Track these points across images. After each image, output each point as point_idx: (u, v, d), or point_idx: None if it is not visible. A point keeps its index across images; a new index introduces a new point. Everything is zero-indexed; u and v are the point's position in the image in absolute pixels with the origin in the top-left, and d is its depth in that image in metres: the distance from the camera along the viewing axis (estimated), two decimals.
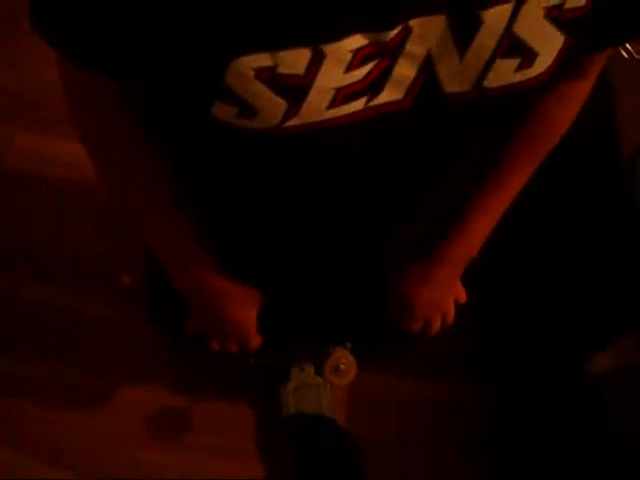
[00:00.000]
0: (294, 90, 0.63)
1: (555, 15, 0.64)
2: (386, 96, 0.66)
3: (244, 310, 0.98)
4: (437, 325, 1.04)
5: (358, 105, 0.66)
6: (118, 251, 1.48)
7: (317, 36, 0.60)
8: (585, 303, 1.25)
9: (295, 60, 0.61)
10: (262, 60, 0.60)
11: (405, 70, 0.65)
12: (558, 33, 0.66)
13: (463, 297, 1.03)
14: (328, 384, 1.36)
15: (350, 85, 0.64)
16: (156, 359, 1.40)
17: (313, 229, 0.85)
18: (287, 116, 0.64)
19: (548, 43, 0.66)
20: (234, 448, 1.37)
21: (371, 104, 0.67)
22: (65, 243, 1.52)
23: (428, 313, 1.02)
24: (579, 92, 0.85)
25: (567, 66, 0.69)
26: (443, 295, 1.01)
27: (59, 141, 1.53)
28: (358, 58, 0.63)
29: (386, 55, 0.63)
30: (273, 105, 0.63)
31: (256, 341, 1.02)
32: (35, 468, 1.31)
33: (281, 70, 0.61)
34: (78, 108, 0.79)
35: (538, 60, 0.66)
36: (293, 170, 0.74)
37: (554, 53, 0.67)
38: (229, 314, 0.97)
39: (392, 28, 0.61)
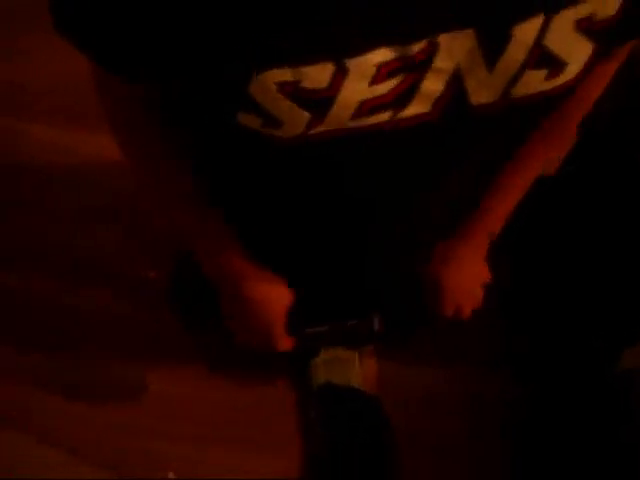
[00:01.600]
0: (317, 103, 0.63)
1: (585, 26, 0.64)
2: (413, 109, 0.67)
3: (272, 303, 0.98)
4: (468, 309, 1.05)
5: (384, 117, 0.67)
6: (142, 248, 1.51)
7: (340, 51, 0.61)
8: (615, 297, 1.26)
9: (318, 75, 0.61)
10: (285, 75, 0.61)
11: (433, 85, 0.65)
12: (588, 42, 0.66)
13: (489, 278, 1.04)
14: (357, 359, 1.40)
15: (375, 98, 0.64)
16: (170, 353, 1.43)
17: (327, 218, 0.87)
18: (311, 126, 0.65)
19: (578, 52, 0.66)
20: (252, 440, 1.40)
21: (397, 116, 0.67)
22: (78, 243, 1.54)
23: (457, 295, 1.03)
24: (605, 75, 0.84)
25: (595, 64, 0.69)
26: (469, 275, 1.02)
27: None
28: (383, 72, 0.63)
29: (413, 70, 0.64)
30: (297, 116, 0.64)
31: (285, 343, 1.01)
32: (52, 458, 1.35)
33: (304, 84, 0.61)
34: (109, 108, 0.81)
35: (567, 69, 0.66)
36: (308, 167, 0.75)
37: (583, 60, 0.67)
38: (257, 305, 0.96)
39: (417, 41, 0.61)
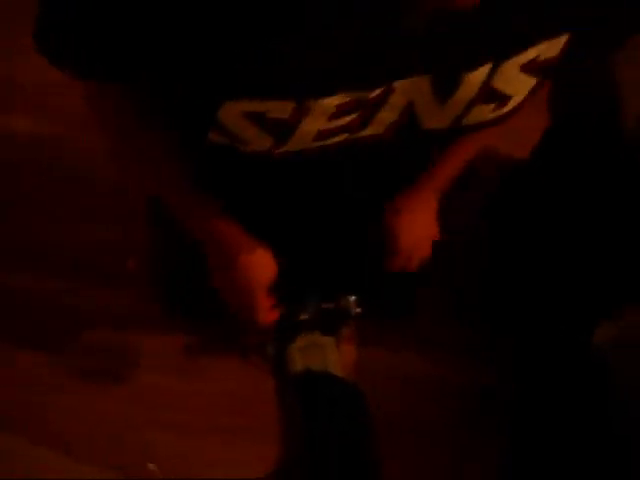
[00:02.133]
0: (280, 130, 0.69)
1: (530, 67, 0.70)
2: (368, 131, 0.74)
3: (256, 271, 1.02)
4: (416, 260, 1.16)
5: (342, 137, 0.73)
6: (121, 238, 1.50)
7: (303, 93, 0.65)
8: (589, 274, 1.28)
9: (282, 109, 0.66)
10: (251, 105, 0.66)
11: (387, 115, 0.71)
12: (532, 79, 0.72)
13: (438, 235, 1.14)
14: (335, 344, 1.39)
15: (334, 128, 0.71)
16: (164, 344, 1.44)
17: (306, 204, 0.97)
18: (276, 147, 0.71)
19: (522, 87, 0.72)
20: (248, 429, 1.42)
21: (354, 136, 0.74)
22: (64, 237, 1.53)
23: (408, 244, 1.12)
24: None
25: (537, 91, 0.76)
26: (419, 226, 1.11)
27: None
28: (341, 110, 0.68)
29: (369, 107, 0.69)
30: (261, 139, 0.70)
31: (267, 315, 1.08)
32: (52, 459, 1.35)
33: (269, 115, 0.66)
34: (101, 117, 0.85)
35: (512, 100, 0.73)
36: (282, 167, 0.79)
37: (527, 92, 0.74)
38: (242, 271, 1.01)
39: (375, 88, 0.67)
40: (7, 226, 1.55)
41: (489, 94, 0.70)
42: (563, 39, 0.69)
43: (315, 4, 0.58)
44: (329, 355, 1.39)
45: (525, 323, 1.44)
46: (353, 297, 1.31)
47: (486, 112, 0.73)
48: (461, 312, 1.49)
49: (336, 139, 0.73)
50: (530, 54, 0.68)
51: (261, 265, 1.01)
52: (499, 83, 0.69)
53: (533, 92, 0.74)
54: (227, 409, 1.40)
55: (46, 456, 1.33)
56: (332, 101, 0.66)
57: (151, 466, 1.32)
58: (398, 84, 0.67)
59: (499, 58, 0.67)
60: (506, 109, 0.73)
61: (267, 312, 1.07)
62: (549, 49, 0.69)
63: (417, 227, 1.11)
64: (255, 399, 1.41)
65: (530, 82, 0.72)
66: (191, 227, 0.97)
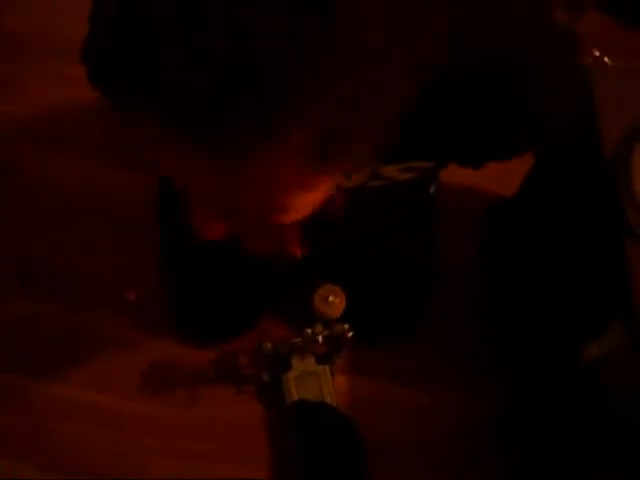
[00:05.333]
0: None
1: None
2: None
3: None
4: None
5: None
6: (123, 267, 1.54)
7: None
8: (575, 296, 1.30)
9: None
10: None
11: None
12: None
13: None
14: (329, 371, 1.41)
15: None
16: (155, 371, 1.47)
17: None
18: None
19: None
20: (240, 454, 1.43)
21: None
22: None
23: None
24: None
25: None
26: None
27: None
28: None
29: None
30: None
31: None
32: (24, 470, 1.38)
33: None
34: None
35: None
36: None
37: None
38: None
39: None
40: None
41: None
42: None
43: None
44: (324, 383, 1.42)
45: (523, 347, 1.46)
46: (347, 324, 1.34)
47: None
48: (460, 339, 1.50)
49: None
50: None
51: None
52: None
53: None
54: (219, 436, 1.43)
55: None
56: None
57: None
58: None
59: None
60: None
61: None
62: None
63: None
64: (249, 427, 1.42)
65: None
66: None
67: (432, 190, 1.34)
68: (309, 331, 1.34)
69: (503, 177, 1.40)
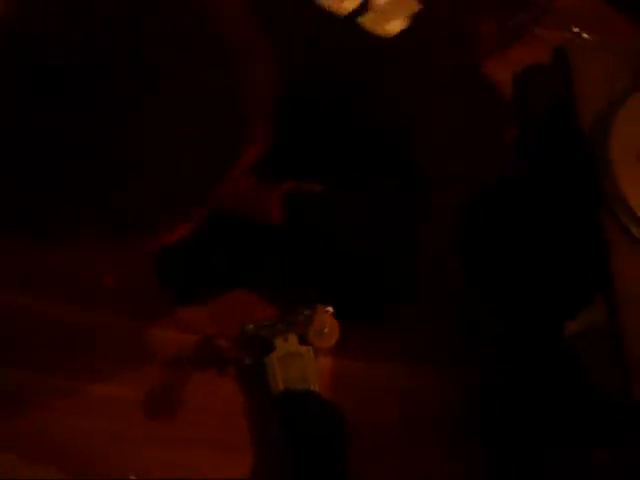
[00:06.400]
0: None
1: None
2: None
3: None
4: None
5: None
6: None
7: None
8: (556, 273, 1.30)
9: None
10: None
11: None
12: None
13: None
14: (312, 352, 1.41)
15: None
16: (142, 360, 1.47)
17: None
18: None
19: None
20: (229, 442, 1.42)
21: None
22: None
23: None
24: None
25: None
26: None
27: None
28: None
29: None
30: None
31: None
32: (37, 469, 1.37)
33: None
34: None
35: None
36: None
37: None
38: None
39: None
40: None
41: None
42: None
43: None
44: (308, 364, 1.42)
45: (507, 327, 1.45)
46: (330, 307, 1.33)
47: None
48: (441, 321, 1.50)
49: None
50: None
51: None
52: None
53: None
54: (205, 423, 1.42)
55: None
56: None
57: (132, 477, 1.34)
58: None
59: None
60: None
61: None
62: None
63: None
64: (231, 412, 1.42)
65: None
66: None
67: None
68: (292, 318, 1.34)
69: (481, 158, 1.39)
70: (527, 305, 1.36)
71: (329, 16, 0.90)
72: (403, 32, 0.94)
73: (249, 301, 1.46)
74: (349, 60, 0.89)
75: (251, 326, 1.37)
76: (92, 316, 1.49)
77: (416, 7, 0.98)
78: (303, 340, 1.41)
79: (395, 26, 0.90)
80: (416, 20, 0.98)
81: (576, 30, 1.61)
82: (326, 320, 1.25)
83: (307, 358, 1.42)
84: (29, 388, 1.43)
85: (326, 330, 1.26)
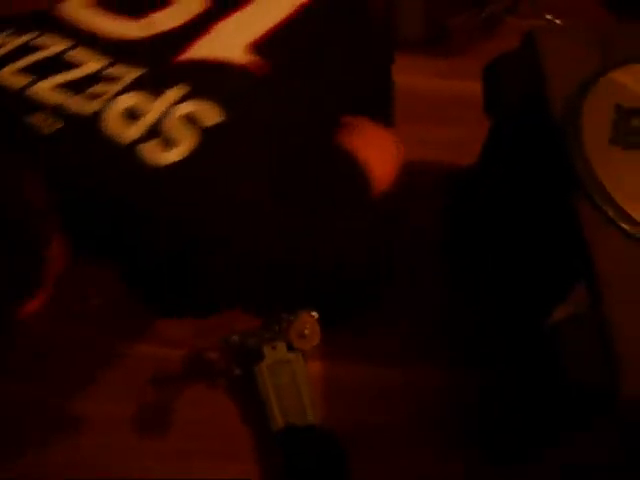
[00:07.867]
0: None
1: None
2: None
3: None
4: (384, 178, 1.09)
5: None
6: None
7: None
8: (537, 262, 1.29)
9: None
10: None
11: None
12: None
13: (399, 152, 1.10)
14: (302, 358, 1.40)
15: None
16: (133, 374, 1.47)
17: None
18: None
19: None
20: (222, 449, 1.42)
21: None
22: None
23: (369, 160, 1.06)
24: None
25: None
26: (374, 140, 1.09)
27: None
28: None
29: None
30: None
31: None
32: None
33: None
34: None
35: None
36: None
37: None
38: None
39: None
40: None
41: None
42: None
43: None
44: (297, 370, 1.41)
45: (490, 320, 1.44)
46: (314, 312, 1.32)
47: None
48: (438, 323, 1.49)
49: None
50: None
51: None
52: None
53: None
54: (199, 434, 1.41)
55: None
56: None
57: None
58: None
59: None
60: None
61: None
62: None
63: (373, 143, 1.08)
64: (224, 422, 1.41)
65: None
66: None
67: None
68: (276, 326, 1.33)
69: (457, 146, 1.38)
70: (510, 302, 1.34)
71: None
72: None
73: (233, 313, 1.45)
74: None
75: (235, 337, 1.36)
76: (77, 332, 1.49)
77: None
78: (291, 347, 1.40)
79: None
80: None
81: (549, 17, 1.60)
82: (307, 322, 1.24)
83: (297, 364, 1.40)
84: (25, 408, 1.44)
85: (307, 332, 1.24)
